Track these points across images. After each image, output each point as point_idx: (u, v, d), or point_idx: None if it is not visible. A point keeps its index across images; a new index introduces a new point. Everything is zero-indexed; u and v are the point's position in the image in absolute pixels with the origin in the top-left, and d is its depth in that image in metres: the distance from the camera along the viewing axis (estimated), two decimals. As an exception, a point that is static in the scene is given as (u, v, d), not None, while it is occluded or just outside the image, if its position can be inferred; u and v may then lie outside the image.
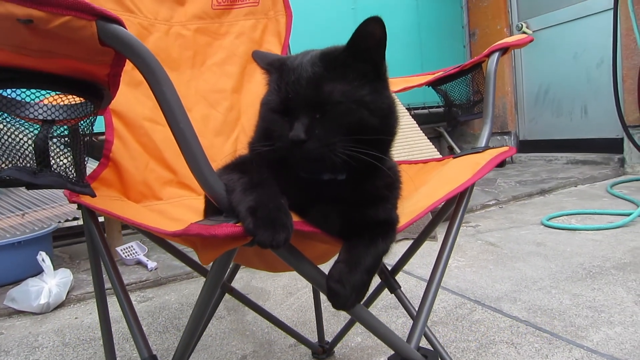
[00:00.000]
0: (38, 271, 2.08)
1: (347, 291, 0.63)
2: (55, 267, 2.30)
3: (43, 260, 2.04)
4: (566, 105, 4.75)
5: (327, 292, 0.64)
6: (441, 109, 4.68)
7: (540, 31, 4.89)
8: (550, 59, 4.84)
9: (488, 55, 1.10)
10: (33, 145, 0.57)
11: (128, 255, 2.46)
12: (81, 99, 0.65)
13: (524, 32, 4.96)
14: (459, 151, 5.32)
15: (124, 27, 0.52)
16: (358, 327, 1.61)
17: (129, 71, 1.22)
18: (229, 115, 1.37)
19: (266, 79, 0.76)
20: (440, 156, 3.13)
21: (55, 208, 2.39)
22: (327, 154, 0.64)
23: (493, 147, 0.98)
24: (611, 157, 4.22)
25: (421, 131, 3.35)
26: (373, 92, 0.69)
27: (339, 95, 0.66)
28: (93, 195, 0.72)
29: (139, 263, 2.45)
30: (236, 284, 2.14)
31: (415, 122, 3.39)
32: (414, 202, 0.86)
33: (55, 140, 0.64)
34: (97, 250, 0.91)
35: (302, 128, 0.63)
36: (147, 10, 1.31)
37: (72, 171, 0.67)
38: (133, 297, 2.13)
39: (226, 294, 1.40)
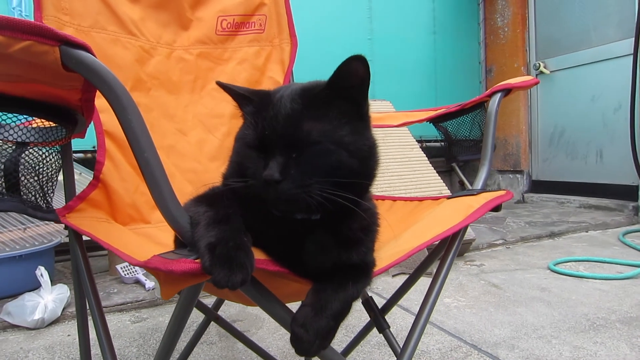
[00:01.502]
0: (37, 285, 2.08)
1: (310, 337, 0.60)
2: (56, 281, 2.32)
3: (42, 275, 2.05)
4: (581, 148, 4.69)
5: (290, 336, 0.62)
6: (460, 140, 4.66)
7: (557, 72, 4.88)
8: (567, 100, 4.81)
9: (490, 96, 1.10)
10: (2, 167, 0.57)
11: (128, 273, 2.45)
12: (52, 123, 0.64)
13: (542, 72, 4.96)
14: (469, 187, 5.26)
15: (91, 53, 0.52)
16: (349, 364, 1.58)
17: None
18: (226, 141, 1.37)
19: (240, 112, 0.74)
20: (448, 192, 3.11)
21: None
22: (302, 195, 0.62)
23: (489, 190, 0.96)
24: (625, 205, 4.14)
25: (430, 165, 3.33)
26: (354, 133, 0.67)
27: (318, 134, 0.64)
28: (57, 221, 0.71)
29: (138, 282, 2.44)
30: (231, 309, 2.12)
31: (425, 155, 3.38)
32: (402, 241, 0.85)
33: (21, 164, 0.64)
34: (80, 272, 0.90)
35: (277, 167, 0.62)
36: (150, 34, 1.33)
37: (36, 196, 0.66)
38: (127, 316, 2.12)
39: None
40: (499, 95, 1.06)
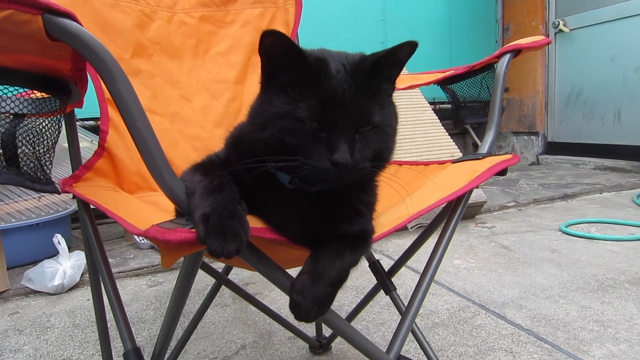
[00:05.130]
0: (54, 253, 2.14)
1: (308, 303, 0.61)
2: (73, 248, 2.38)
3: (59, 242, 2.10)
4: (599, 109, 4.59)
5: (289, 302, 0.63)
6: (468, 103, 4.60)
7: (577, 30, 4.73)
8: (586, 59, 4.67)
9: (499, 56, 1.07)
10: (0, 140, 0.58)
11: (143, 239, 2.51)
12: (44, 94, 0.64)
13: (561, 30, 4.81)
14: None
15: (75, 21, 0.50)
16: (357, 324, 1.62)
17: (127, 60, 1.25)
18: (230, 107, 1.36)
19: (269, 72, 0.67)
20: (460, 155, 3.09)
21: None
22: (358, 175, 0.63)
23: (495, 154, 0.95)
24: (641, 165, 4.08)
25: (442, 127, 3.29)
26: (394, 116, 0.70)
27: (379, 118, 0.65)
28: (57, 192, 0.72)
29: (153, 247, 2.50)
30: (244, 272, 2.17)
31: (437, 117, 3.33)
32: (406, 206, 0.85)
33: (18, 136, 0.64)
34: (90, 240, 0.93)
35: (349, 150, 0.60)
36: None
37: (34, 169, 0.67)
38: (144, 280, 2.18)
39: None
40: (508, 56, 1.03)
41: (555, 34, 4.91)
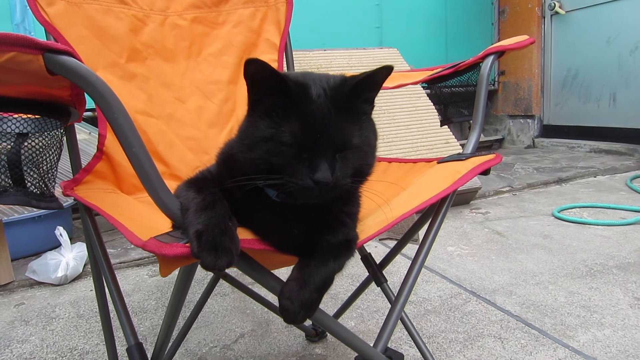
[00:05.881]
0: (57, 244, 2.20)
1: (296, 308, 0.67)
2: (75, 239, 2.43)
3: (61, 234, 2.15)
4: (594, 92, 4.61)
5: (278, 306, 0.68)
6: (463, 89, 4.57)
7: (573, 12, 4.72)
8: (582, 41, 4.67)
9: (483, 58, 1.10)
10: (5, 160, 0.61)
11: (143, 229, 2.55)
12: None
13: (557, 12, 4.80)
14: (481, 136, 5.23)
15: (74, 57, 0.54)
16: (352, 311, 1.68)
17: (122, 65, 1.29)
18: (224, 107, 1.39)
19: (254, 97, 0.71)
20: (455, 142, 3.12)
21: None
22: (338, 192, 0.68)
23: (479, 155, 0.98)
24: (636, 149, 4.11)
25: (437, 113, 3.31)
26: (374, 134, 0.75)
27: (358, 139, 0.70)
28: (61, 208, 0.76)
29: (153, 237, 2.54)
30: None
31: (432, 103, 3.34)
32: (391, 208, 0.89)
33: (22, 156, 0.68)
34: (92, 241, 0.97)
35: (329, 170, 0.65)
36: (143, 1, 1.33)
37: (39, 187, 0.70)
38: (145, 270, 2.23)
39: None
40: (491, 57, 1.06)
41: (551, 16, 4.90)
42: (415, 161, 1.19)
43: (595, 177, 3.66)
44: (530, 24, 4.97)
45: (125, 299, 1.90)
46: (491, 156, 0.99)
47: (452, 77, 1.23)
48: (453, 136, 3.22)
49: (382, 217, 0.84)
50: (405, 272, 0.92)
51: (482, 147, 4.95)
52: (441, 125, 1.47)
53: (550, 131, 5.05)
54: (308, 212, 0.72)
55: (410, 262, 0.93)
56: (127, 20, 1.29)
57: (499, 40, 5.37)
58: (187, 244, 0.59)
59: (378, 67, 0.69)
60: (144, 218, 0.91)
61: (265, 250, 0.69)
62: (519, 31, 4.97)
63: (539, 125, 5.13)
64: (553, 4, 4.82)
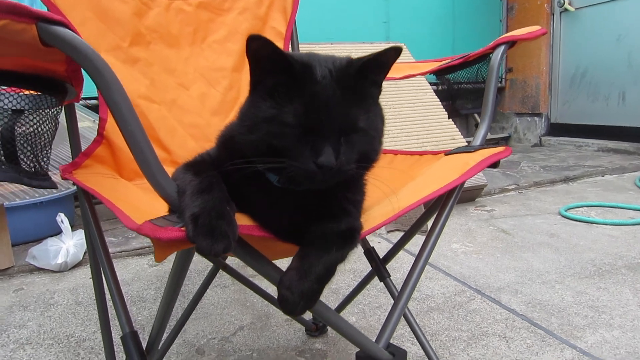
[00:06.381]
0: (58, 231, 2.18)
1: (295, 298, 0.63)
2: (76, 226, 2.41)
3: (62, 221, 2.13)
4: (603, 90, 4.55)
5: (277, 297, 0.65)
6: (470, 85, 4.52)
7: (583, 9, 4.65)
8: (591, 39, 4.61)
9: (493, 48, 1.06)
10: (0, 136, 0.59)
11: (144, 219, 2.53)
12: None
13: (566, 9, 4.74)
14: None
15: (69, 28, 0.51)
16: (354, 307, 1.65)
17: (125, 48, 1.26)
18: (227, 95, 1.36)
19: (256, 76, 0.68)
20: (461, 137, 3.08)
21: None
22: (343, 177, 0.65)
23: (488, 147, 0.95)
24: (645, 148, 4.06)
25: (443, 109, 3.27)
26: (381, 119, 0.72)
27: (364, 123, 0.67)
28: (55, 187, 0.74)
29: (155, 227, 2.52)
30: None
31: (438, 99, 3.31)
32: (397, 199, 0.86)
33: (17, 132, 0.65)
34: (89, 226, 0.95)
35: (333, 154, 0.62)
36: None
37: (32, 165, 0.68)
38: (145, 260, 2.21)
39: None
40: (502, 48, 1.03)
41: (561, 13, 4.84)
42: (421, 153, 1.16)
43: (603, 176, 3.61)
44: (539, 20, 4.91)
45: (124, 288, 1.89)
46: (500, 148, 0.96)
47: (461, 68, 1.19)
48: (459, 132, 3.18)
49: (388, 208, 0.81)
50: (409, 268, 0.89)
51: (488, 145, 4.90)
52: (449, 116, 1.43)
53: (557, 129, 4.99)
54: (310, 199, 0.70)
55: (415, 257, 0.90)
56: (132, 4, 1.26)
57: (507, 37, 5.37)
58: (182, 228, 0.56)
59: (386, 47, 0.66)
60: (143, 204, 0.88)
61: (265, 238, 0.66)
62: (528, 28, 4.90)
63: (546, 123, 5.07)
64: (562, 1, 4.76)
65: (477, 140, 0.99)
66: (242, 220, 0.65)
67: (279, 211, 0.69)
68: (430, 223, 0.94)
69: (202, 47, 1.37)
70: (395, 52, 0.67)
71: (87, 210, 0.96)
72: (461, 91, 1.25)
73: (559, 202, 2.96)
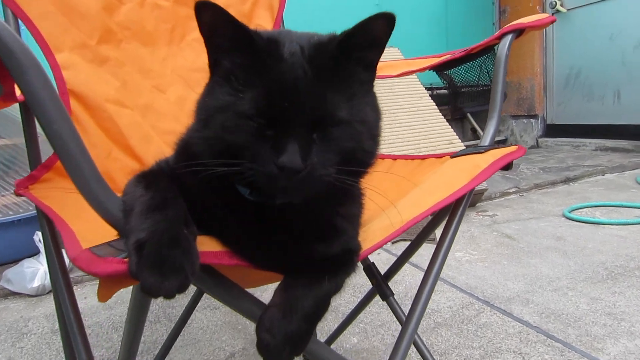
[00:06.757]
0: (36, 251, 2.04)
1: (278, 343, 0.51)
2: (56, 247, 2.27)
3: (40, 240, 1.99)
4: (598, 89, 4.50)
5: (256, 342, 0.52)
6: (472, 89, 4.46)
7: (575, 10, 4.62)
8: (584, 39, 4.57)
9: (500, 38, 0.96)
10: None
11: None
12: None
13: (558, 10, 4.69)
14: (482, 134, 5.11)
15: None
16: (355, 327, 1.52)
17: (93, 47, 1.13)
18: None
19: (212, 56, 0.56)
20: (459, 142, 2.98)
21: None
22: (319, 184, 0.51)
23: (498, 147, 0.84)
24: (643, 145, 3.99)
25: (440, 113, 3.18)
26: (374, 110, 0.57)
27: (346, 112, 0.52)
28: None
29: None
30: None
31: (434, 103, 3.21)
32: (400, 209, 0.73)
33: None
34: (49, 250, 0.83)
35: (300, 153, 0.48)
36: None
37: None
38: (131, 280, 2.08)
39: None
40: (509, 37, 0.93)
41: (553, 14, 4.78)
42: (424, 157, 1.05)
43: (603, 175, 3.52)
44: (531, 22, 4.84)
45: (106, 312, 1.74)
46: (513, 148, 0.85)
47: (464, 62, 1.09)
48: (456, 136, 3.08)
49: (388, 222, 0.69)
50: (412, 280, 0.78)
51: (498, 145, 4.81)
52: (452, 115, 1.33)
53: (554, 130, 4.92)
54: (293, 215, 0.55)
55: (422, 272, 0.78)
56: None
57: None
58: (126, 259, 0.43)
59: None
60: (107, 225, 0.76)
61: (238, 266, 0.53)
62: (520, 30, 4.85)
63: (542, 124, 5.00)
64: (554, 2, 4.72)
65: (486, 139, 0.88)
66: (207, 245, 0.52)
67: (254, 232, 0.55)
68: (438, 232, 0.83)
69: (181, 46, 1.24)
70: (385, 20, 0.54)
71: (47, 231, 0.84)
72: (465, 90, 1.14)
73: (561, 203, 2.85)
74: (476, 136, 4.93)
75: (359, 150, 0.54)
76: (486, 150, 0.82)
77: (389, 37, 0.55)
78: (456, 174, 0.77)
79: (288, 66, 0.51)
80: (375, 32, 0.55)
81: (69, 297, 0.78)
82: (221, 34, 0.52)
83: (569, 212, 2.59)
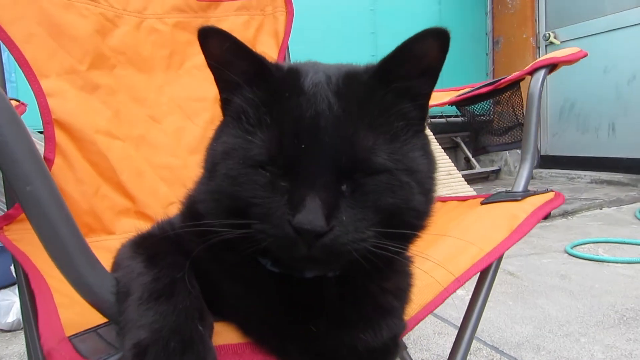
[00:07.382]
0: (11, 281, 1.91)
1: None
2: (35, 277, 2.14)
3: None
4: (593, 122, 4.51)
5: None
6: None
7: (568, 42, 4.66)
8: (578, 72, 4.57)
9: (531, 73, 0.89)
10: None
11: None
12: None
13: (552, 43, 4.74)
14: (476, 164, 5.09)
15: None
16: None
17: (83, 72, 1.04)
18: (209, 129, 1.13)
19: (223, 93, 0.47)
20: (456, 172, 2.92)
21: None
22: (351, 251, 0.39)
23: (535, 193, 0.76)
24: (639, 179, 3.96)
25: (437, 142, 3.13)
26: (425, 155, 0.46)
27: (386, 158, 0.41)
28: None
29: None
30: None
31: (431, 132, 3.17)
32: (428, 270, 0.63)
33: None
34: (22, 293, 0.73)
35: (321, 210, 0.37)
36: None
37: None
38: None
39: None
40: (543, 71, 0.87)
41: (546, 46, 4.84)
42: (444, 199, 0.96)
43: (601, 209, 3.48)
44: (525, 54, 4.89)
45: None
46: (550, 195, 0.77)
47: (489, 98, 1.02)
48: (454, 167, 3.03)
49: (424, 283, 0.60)
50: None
51: (477, 179, 4.77)
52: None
53: (548, 162, 4.91)
54: (329, 293, 0.44)
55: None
56: (93, 19, 1.05)
57: (493, 71, 5.30)
58: None
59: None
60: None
61: None
62: (514, 61, 4.91)
63: (536, 155, 4.98)
64: (548, 35, 4.77)
65: (520, 183, 0.80)
66: (225, 336, 0.42)
67: (282, 315, 0.44)
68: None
69: (179, 73, 1.16)
70: (436, 39, 0.43)
71: (21, 272, 0.74)
72: (485, 125, 1.07)
73: (562, 238, 2.78)
74: (470, 165, 4.89)
75: (404, 208, 0.43)
76: (523, 198, 0.73)
77: (444, 61, 0.45)
78: (492, 226, 0.69)
79: (308, 99, 0.41)
80: (423, 54, 0.45)
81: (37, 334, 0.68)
82: (231, 65, 0.44)
83: (571, 248, 2.52)
